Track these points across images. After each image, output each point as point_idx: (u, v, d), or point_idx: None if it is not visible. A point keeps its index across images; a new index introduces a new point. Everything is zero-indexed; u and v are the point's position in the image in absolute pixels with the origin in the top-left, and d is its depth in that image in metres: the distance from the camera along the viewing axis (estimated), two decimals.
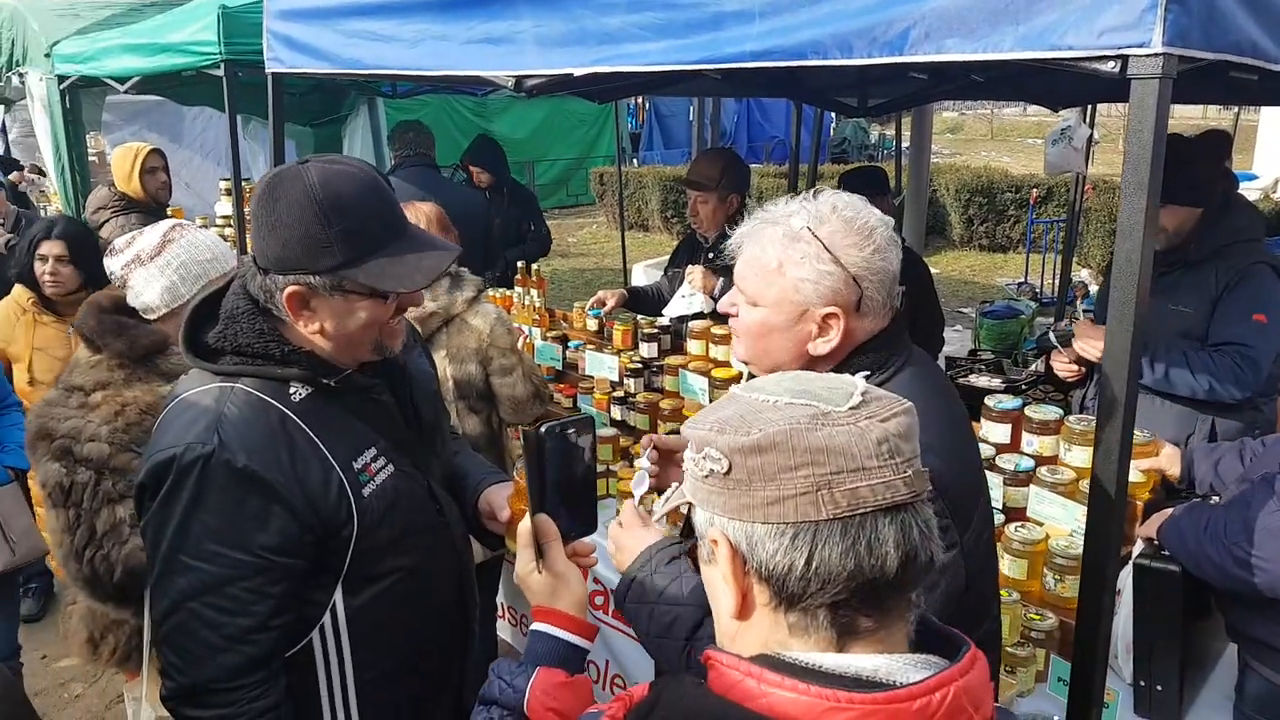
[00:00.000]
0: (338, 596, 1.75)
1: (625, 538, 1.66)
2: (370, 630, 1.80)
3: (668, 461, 2.01)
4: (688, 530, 1.88)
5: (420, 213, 3.12)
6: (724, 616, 0.99)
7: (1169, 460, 2.66)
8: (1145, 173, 1.69)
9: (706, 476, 0.95)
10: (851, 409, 0.93)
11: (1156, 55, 1.63)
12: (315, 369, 1.70)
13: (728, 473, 0.93)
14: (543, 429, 1.43)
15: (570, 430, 1.45)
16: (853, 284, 1.56)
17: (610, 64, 2.56)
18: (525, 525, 1.45)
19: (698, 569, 1.08)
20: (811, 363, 1.62)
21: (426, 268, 1.69)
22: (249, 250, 1.72)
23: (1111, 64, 1.71)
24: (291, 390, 1.69)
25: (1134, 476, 2.64)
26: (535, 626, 1.41)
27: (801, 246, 1.57)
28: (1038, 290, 10.21)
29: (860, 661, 0.90)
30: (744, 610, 0.96)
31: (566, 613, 1.40)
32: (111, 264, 2.54)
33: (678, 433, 2.83)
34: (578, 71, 2.64)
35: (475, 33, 2.88)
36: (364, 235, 1.63)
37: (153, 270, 2.47)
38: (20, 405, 3.49)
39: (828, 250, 1.55)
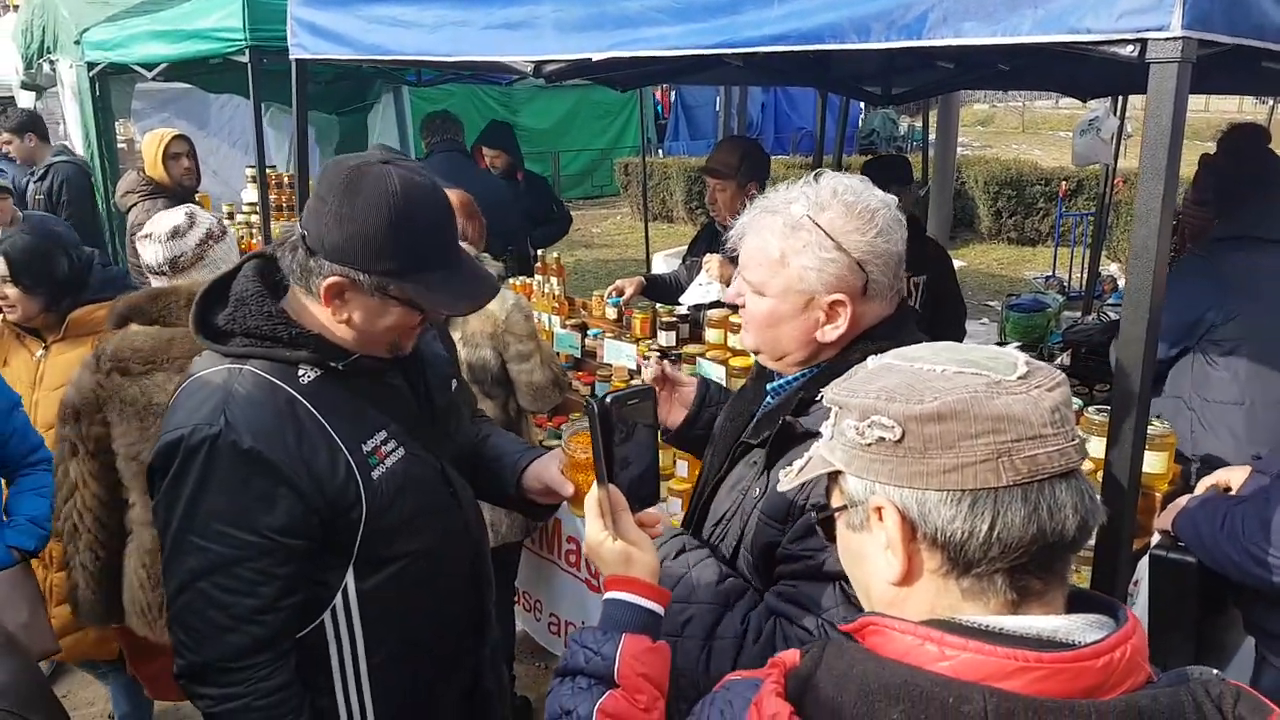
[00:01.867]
0: (349, 579, 1.76)
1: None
2: (382, 612, 1.81)
3: (668, 397, 2.04)
4: (687, 520, 1.89)
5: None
6: (880, 583, 1.00)
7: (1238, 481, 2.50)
8: (1163, 159, 1.67)
9: (871, 444, 0.96)
10: (1020, 378, 0.94)
11: (1175, 39, 1.62)
12: (324, 352, 1.71)
13: (900, 440, 0.94)
14: (608, 399, 1.44)
15: (633, 400, 1.46)
16: (858, 269, 1.54)
17: (629, 48, 2.56)
18: (593, 496, 1.45)
19: (831, 537, 1.08)
20: (819, 350, 1.61)
21: (471, 297, 1.74)
22: (298, 224, 1.72)
23: (1130, 48, 1.69)
24: (300, 373, 1.70)
25: (1156, 467, 2.61)
26: (612, 595, 1.41)
27: (803, 235, 1.54)
28: (1066, 284, 10.11)
29: (1040, 623, 0.92)
30: (908, 578, 0.97)
31: (643, 580, 1.41)
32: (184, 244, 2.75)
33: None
34: (596, 56, 2.64)
35: (495, 17, 2.90)
36: (423, 251, 1.65)
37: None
38: (51, 462, 2.75)
39: (830, 237, 1.53)
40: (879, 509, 0.97)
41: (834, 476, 1.04)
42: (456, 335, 3.13)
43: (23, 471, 2.84)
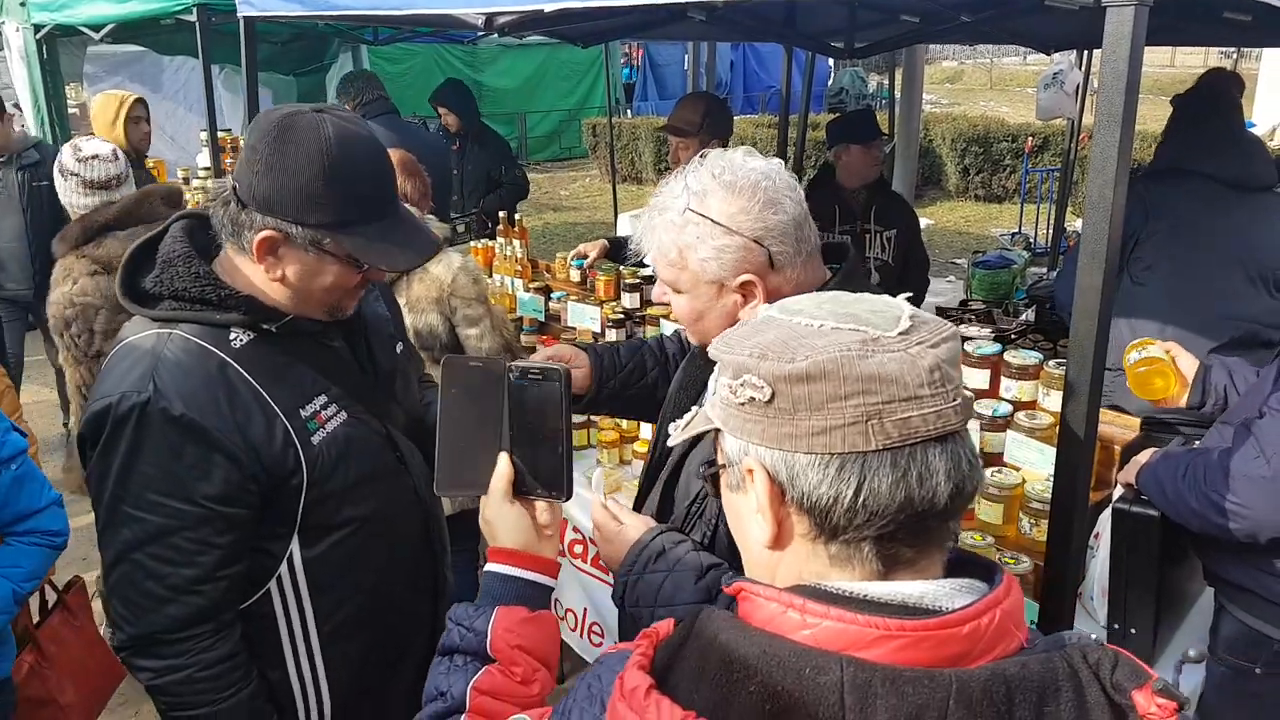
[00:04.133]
0: (294, 546, 1.72)
1: (606, 546, 1.63)
2: (330, 579, 1.78)
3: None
4: (642, 491, 1.86)
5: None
6: (756, 547, 0.96)
7: (1189, 367, 2.60)
8: (1119, 105, 1.64)
9: (744, 404, 0.91)
10: (901, 334, 0.89)
11: None
12: (255, 314, 1.66)
13: (770, 401, 0.89)
14: (506, 365, 1.36)
15: (533, 374, 1.34)
16: (755, 246, 1.52)
17: None
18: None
19: (718, 495, 1.04)
20: None
21: (411, 253, 1.68)
22: (230, 178, 1.65)
23: None
24: (232, 336, 1.65)
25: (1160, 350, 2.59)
26: (487, 567, 1.36)
27: (691, 228, 1.53)
28: (1032, 240, 10.13)
29: (906, 589, 0.87)
30: (779, 541, 0.93)
31: (515, 549, 1.35)
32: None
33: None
34: (548, 7, 2.57)
35: None
36: (359, 203, 1.59)
37: None
38: (50, 536, 2.41)
39: (717, 224, 1.51)
40: (750, 470, 0.92)
41: (718, 433, 1.00)
42: (401, 301, 3.07)
43: (7, 540, 2.38)
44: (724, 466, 0.98)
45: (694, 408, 1.04)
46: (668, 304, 1.67)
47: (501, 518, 1.35)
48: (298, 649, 1.78)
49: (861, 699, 0.79)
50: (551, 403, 1.33)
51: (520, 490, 1.36)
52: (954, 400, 0.88)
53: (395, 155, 3.12)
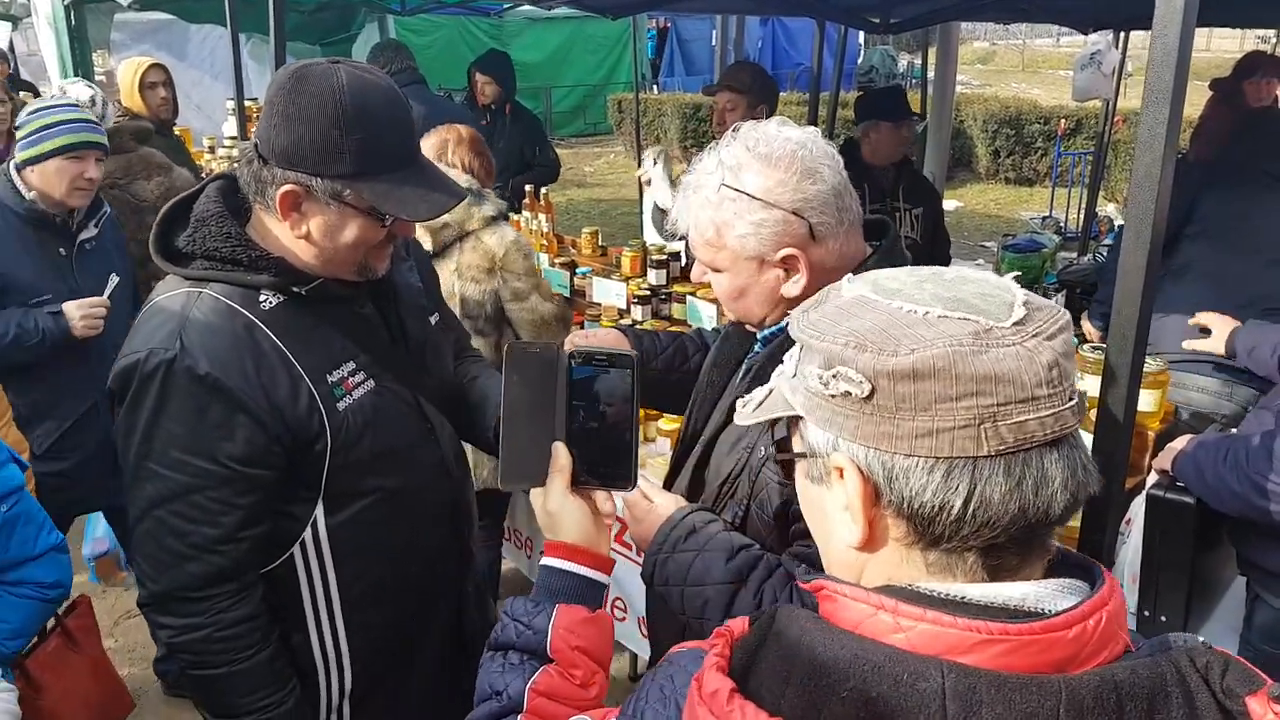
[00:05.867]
0: (318, 512, 1.72)
1: (636, 525, 1.60)
2: (354, 547, 1.77)
3: None
4: (672, 471, 1.81)
5: (456, 134, 3.09)
6: (839, 546, 0.89)
7: (1218, 339, 2.65)
8: (1169, 78, 1.58)
9: (836, 397, 0.83)
10: (1016, 324, 0.80)
11: None
12: (286, 276, 1.65)
13: (868, 397, 0.80)
14: (569, 351, 1.31)
15: (599, 360, 1.30)
16: (795, 218, 1.48)
17: None
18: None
19: (791, 481, 0.97)
20: (791, 304, 1.54)
21: (434, 202, 1.64)
22: (253, 135, 1.64)
23: None
24: (262, 298, 1.64)
25: (1149, 406, 2.57)
26: (545, 561, 1.31)
27: (729, 205, 1.49)
28: (1062, 224, 10.00)
29: (1007, 590, 0.81)
30: (870, 544, 0.86)
31: (575, 545, 1.29)
32: None
33: None
34: None
35: None
36: (379, 152, 1.57)
37: None
38: (45, 588, 2.19)
39: (755, 198, 1.47)
40: (841, 469, 0.85)
41: (795, 419, 0.92)
42: (450, 266, 3.06)
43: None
44: (804, 455, 0.91)
45: (761, 387, 0.96)
46: (708, 284, 1.63)
47: (566, 511, 1.30)
48: (320, 615, 1.78)
49: (965, 707, 0.74)
50: (620, 390, 1.30)
51: (576, 481, 1.32)
52: (1070, 400, 0.80)
53: (465, 132, 3.18)
